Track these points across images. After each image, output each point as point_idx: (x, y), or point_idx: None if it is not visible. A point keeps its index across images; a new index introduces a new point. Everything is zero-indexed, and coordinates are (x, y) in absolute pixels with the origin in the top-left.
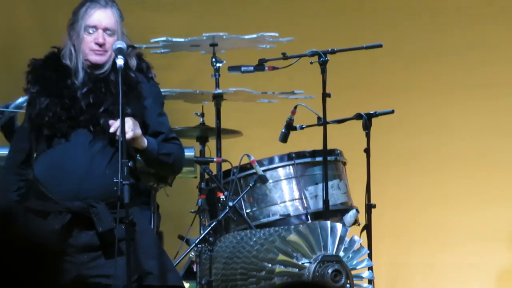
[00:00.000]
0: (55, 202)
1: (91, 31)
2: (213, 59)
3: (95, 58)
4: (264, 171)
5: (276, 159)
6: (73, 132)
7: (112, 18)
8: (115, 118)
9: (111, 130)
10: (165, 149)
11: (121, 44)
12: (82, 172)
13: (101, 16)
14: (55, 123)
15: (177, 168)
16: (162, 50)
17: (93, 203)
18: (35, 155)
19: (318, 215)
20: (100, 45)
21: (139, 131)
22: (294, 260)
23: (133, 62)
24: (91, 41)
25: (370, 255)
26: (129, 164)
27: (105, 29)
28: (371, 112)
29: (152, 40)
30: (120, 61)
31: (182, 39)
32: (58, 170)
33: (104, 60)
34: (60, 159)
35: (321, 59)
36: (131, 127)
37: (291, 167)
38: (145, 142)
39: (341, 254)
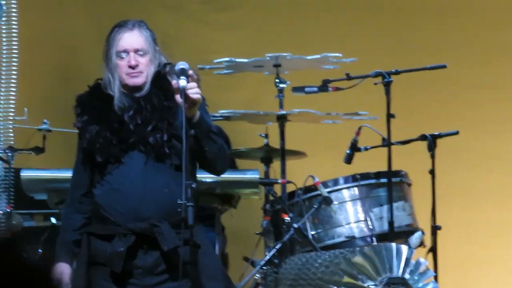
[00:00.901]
0: (117, 224)
1: (123, 56)
2: (277, 80)
3: (132, 81)
4: (328, 192)
5: (341, 181)
6: (125, 155)
7: (141, 38)
8: (163, 135)
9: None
10: (216, 130)
11: (183, 65)
12: (140, 192)
13: (130, 39)
14: (106, 148)
15: (224, 157)
16: (226, 71)
17: (155, 223)
18: (93, 182)
19: (383, 237)
20: (134, 67)
21: (200, 95)
22: (360, 283)
23: (174, 77)
24: (125, 65)
25: (436, 278)
26: (193, 185)
27: (135, 51)
28: (436, 133)
29: (215, 61)
30: (183, 82)
31: (245, 60)
32: (117, 193)
33: (141, 82)
34: (117, 182)
35: (385, 79)
36: (197, 90)
37: (356, 188)
38: (197, 111)
39: (407, 276)
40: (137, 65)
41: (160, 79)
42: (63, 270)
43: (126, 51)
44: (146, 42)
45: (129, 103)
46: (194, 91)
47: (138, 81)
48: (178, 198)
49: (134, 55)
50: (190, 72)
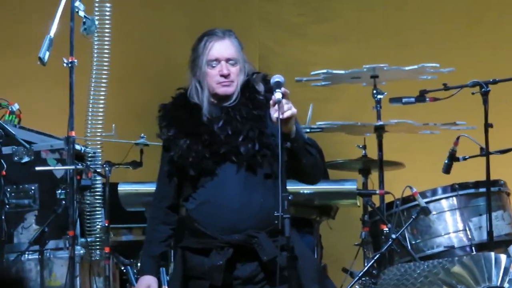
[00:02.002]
0: (214, 238)
1: (214, 65)
2: (374, 91)
3: (223, 90)
4: (427, 202)
5: (439, 191)
6: (218, 167)
7: (232, 47)
8: (255, 145)
9: (273, 115)
10: (310, 142)
11: (279, 78)
12: (236, 205)
13: (221, 48)
14: (199, 162)
15: (320, 167)
16: (323, 83)
17: (253, 234)
18: (183, 196)
19: (482, 247)
20: (226, 76)
21: (295, 110)
22: None
23: (261, 87)
24: (216, 74)
25: None
26: (289, 197)
27: (227, 60)
28: None
29: (313, 73)
30: (278, 95)
31: (342, 71)
32: (212, 206)
33: (232, 91)
34: (212, 195)
35: (483, 89)
36: (290, 106)
37: (454, 198)
38: (294, 127)
39: (506, 285)
40: (229, 74)
41: (249, 88)
42: (151, 283)
43: (217, 60)
44: (237, 51)
45: (217, 113)
46: (288, 107)
47: (229, 90)
48: (273, 208)
49: (226, 64)
50: (283, 89)
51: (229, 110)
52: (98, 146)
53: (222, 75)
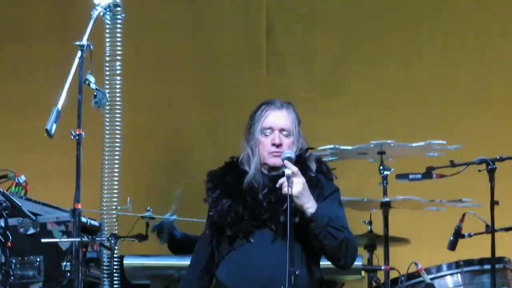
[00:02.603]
0: None
1: (267, 133)
2: (381, 167)
3: (273, 161)
4: (432, 279)
5: (444, 267)
6: (255, 232)
7: (288, 119)
8: (295, 217)
9: (278, 184)
10: (338, 226)
11: (290, 154)
12: (269, 273)
13: (277, 118)
14: (237, 222)
15: (349, 252)
16: (330, 158)
17: None
18: (216, 259)
19: None
20: (277, 146)
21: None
22: None
23: (313, 166)
24: (268, 143)
25: None
26: (297, 272)
27: (281, 130)
28: None
29: (320, 148)
30: (288, 171)
31: (349, 147)
32: (243, 271)
33: (281, 162)
34: (245, 260)
35: (489, 166)
36: (300, 181)
37: (459, 275)
38: (313, 205)
39: None
40: (280, 144)
41: (300, 163)
42: None
43: (271, 129)
44: (292, 123)
45: (264, 181)
46: (293, 181)
47: (279, 161)
48: (306, 282)
49: (279, 134)
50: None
51: (276, 180)
52: (114, 219)
53: (273, 144)
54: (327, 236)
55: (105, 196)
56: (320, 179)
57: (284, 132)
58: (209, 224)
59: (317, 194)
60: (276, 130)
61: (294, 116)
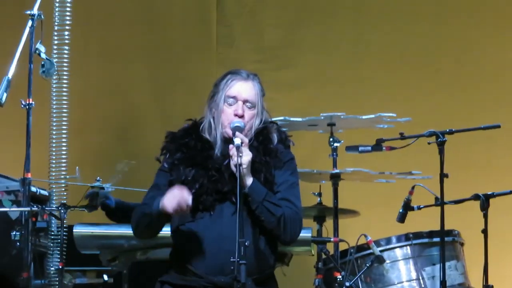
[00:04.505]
0: (199, 276)
1: (230, 103)
2: (331, 139)
3: (230, 132)
4: (381, 251)
5: (394, 240)
6: (217, 205)
7: (253, 90)
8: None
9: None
10: (275, 201)
11: (239, 123)
12: (228, 246)
13: (242, 88)
14: (201, 195)
15: (288, 229)
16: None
17: (239, 279)
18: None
19: None
20: (239, 117)
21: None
22: None
23: (274, 137)
24: (231, 113)
25: None
26: (246, 243)
27: (245, 101)
28: (489, 193)
29: (270, 119)
30: (237, 140)
31: (300, 119)
32: (202, 244)
33: (244, 132)
34: (204, 232)
35: (439, 139)
36: (249, 152)
37: (408, 247)
38: (250, 179)
39: None
40: (242, 116)
41: (263, 134)
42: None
43: (235, 98)
44: (257, 95)
45: (225, 151)
46: (242, 151)
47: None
48: (265, 255)
49: (243, 105)
50: (242, 136)
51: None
52: (63, 188)
53: (236, 115)
54: (263, 212)
55: (53, 165)
56: (279, 148)
57: (248, 104)
58: (168, 183)
59: (274, 162)
60: (240, 101)
61: (259, 88)
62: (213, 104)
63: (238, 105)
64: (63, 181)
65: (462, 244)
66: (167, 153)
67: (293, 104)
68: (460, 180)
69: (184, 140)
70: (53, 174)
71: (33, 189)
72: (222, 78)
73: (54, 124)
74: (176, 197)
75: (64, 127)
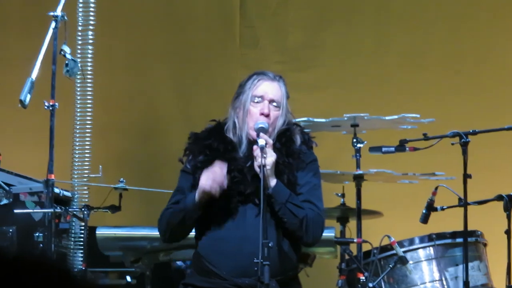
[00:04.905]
0: (223, 278)
1: (257, 101)
2: (354, 140)
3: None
4: (404, 252)
5: (417, 240)
6: (240, 207)
7: (279, 91)
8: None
9: (256, 161)
10: (298, 203)
11: (263, 124)
12: (252, 248)
13: (268, 88)
14: (224, 198)
15: (310, 231)
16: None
17: (263, 280)
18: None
19: None
20: (265, 116)
21: (273, 158)
22: None
23: (297, 139)
24: (256, 112)
25: None
26: (270, 244)
27: (271, 101)
28: None
29: (293, 121)
30: (261, 141)
31: (323, 120)
32: (226, 245)
33: (268, 133)
34: (227, 234)
35: (462, 140)
36: (273, 153)
37: (431, 248)
38: (274, 180)
39: None
40: (268, 115)
41: (286, 136)
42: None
43: (262, 98)
44: (282, 97)
45: (249, 152)
46: (266, 152)
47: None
48: (289, 256)
49: (269, 104)
50: (266, 137)
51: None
52: (85, 189)
53: (262, 113)
54: (286, 213)
55: (76, 166)
56: (302, 150)
57: (274, 104)
58: (192, 186)
59: (297, 164)
60: (266, 100)
61: (284, 90)
62: (238, 104)
63: (264, 104)
64: (85, 182)
65: (485, 245)
66: (190, 154)
67: (316, 105)
68: (483, 180)
69: (208, 141)
70: (76, 175)
71: (56, 190)
72: (248, 79)
73: (78, 125)
74: (213, 175)
75: (88, 128)
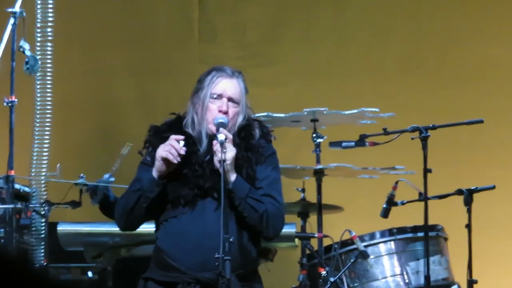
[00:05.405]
0: (182, 272)
1: (215, 98)
2: (314, 135)
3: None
4: (365, 246)
5: (378, 235)
6: (199, 201)
7: (237, 88)
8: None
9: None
10: (258, 197)
11: (222, 119)
12: (211, 242)
13: (227, 85)
14: (182, 190)
15: (270, 225)
16: None
17: (224, 274)
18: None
19: None
20: (224, 113)
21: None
22: None
23: (256, 133)
24: (215, 109)
25: None
26: (231, 239)
27: (229, 99)
28: (472, 187)
29: (253, 116)
30: (221, 136)
31: (283, 115)
32: (185, 240)
33: (228, 128)
34: (187, 228)
35: (422, 134)
36: (233, 148)
37: (392, 242)
38: (234, 175)
39: None
40: (226, 112)
41: (246, 130)
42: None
43: (220, 96)
44: (241, 93)
45: (208, 147)
46: (226, 147)
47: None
48: (248, 251)
49: (227, 102)
50: (225, 132)
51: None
52: (43, 186)
53: (220, 111)
54: (246, 208)
55: (34, 162)
56: (261, 143)
57: (232, 101)
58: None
59: (256, 158)
60: (225, 98)
61: (243, 86)
62: (197, 99)
63: (222, 101)
64: (43, 178)
65: (446, 239)
66: (150, 146)
67: (276, 101)
68: (444, 175)
69: (167, 134)
70: (34, 172)
71: (17, 186)
72: (207, 74)
73: (38, 120)
74: (170, 142)
75: (47, 124)
